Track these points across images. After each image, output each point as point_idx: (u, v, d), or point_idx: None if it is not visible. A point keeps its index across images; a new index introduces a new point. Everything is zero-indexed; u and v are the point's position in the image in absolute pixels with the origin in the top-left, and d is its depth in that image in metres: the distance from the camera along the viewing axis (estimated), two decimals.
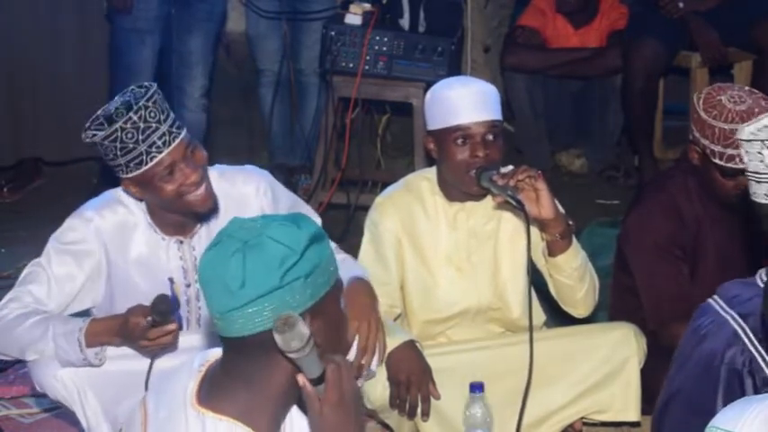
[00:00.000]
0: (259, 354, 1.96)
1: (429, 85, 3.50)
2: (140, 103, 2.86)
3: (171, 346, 2.95)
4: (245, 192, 3.17)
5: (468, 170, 3.23)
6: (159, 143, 2.89)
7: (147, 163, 2.90)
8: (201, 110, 5.09)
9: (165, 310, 2.88)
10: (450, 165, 3.27)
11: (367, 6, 4.79)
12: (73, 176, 5.47)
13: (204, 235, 3.11)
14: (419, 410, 3.21)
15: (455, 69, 4.81)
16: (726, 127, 3.13)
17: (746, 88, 3.24)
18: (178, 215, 3.06)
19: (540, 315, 3.47)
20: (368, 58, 4.70)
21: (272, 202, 3.19)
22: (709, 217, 3.42)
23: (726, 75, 5.57)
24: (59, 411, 3.39)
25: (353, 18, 4.75)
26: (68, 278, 3.07)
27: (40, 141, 5.44)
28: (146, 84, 2.94)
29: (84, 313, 3.14)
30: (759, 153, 2.19)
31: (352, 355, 3.04)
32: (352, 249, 3.44)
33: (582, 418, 3.41)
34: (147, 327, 2.88)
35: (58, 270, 3.06)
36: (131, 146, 2.87)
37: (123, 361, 2.98)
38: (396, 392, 3.20)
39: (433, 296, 3.40)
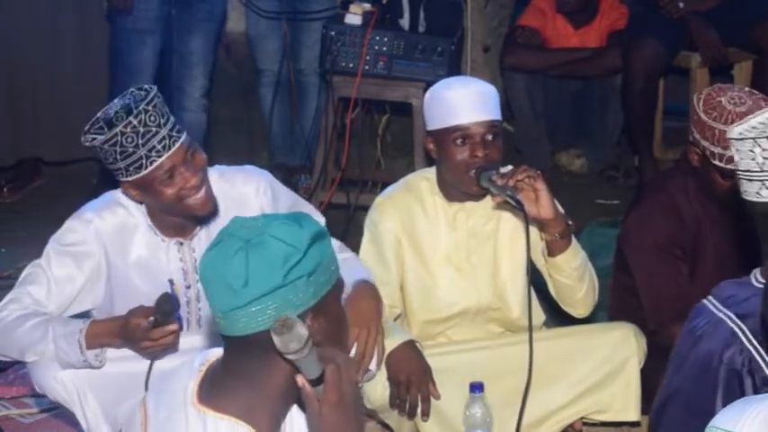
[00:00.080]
0: (260, 353, 1.96)
1: (429, 85, 3.50)
2: (140, 107, 2.85)
3: (172, 347, 2.95)
4: (245, 192, 3.17)
5: (467, 170, 3.23)
6: (159, 147, 2.88)
7: (146, 167, 2.89)
8: (202, 110, 5.09)
9: (168, 309, 2.88)
10: (449, 165, 3.28)
11: (367, 6, 4.78)
12: (73, 176, 5.48)
13: (204, 236, 3.11)
14: (419, 410, 3.21)
15: (455, 69, 4.81)
16: (726, 129, 3.12)
17: (747, 89, 3.23)
18: (178, 218, 3.06)
19: (539, 315, 3.47)
20: (368, 58, 4.70)
21: (272, 202, 3.19)
22: (708, 217, 3.42)
23: (726, 75, 5.57)
24: (59, 411, 3.39)
25: (353, 18, 4.75)
26: (68, 280, 3.07)
27: (40, 141, 5.44)
28: (146, 87, 2.94)
29: (84, 315, 3.14)
30: (750, 151, 2.19)
31: None
32: (352, 249, 3.44)
33: (582, 418, 3.41)
34: (149, 328, 2.88)
35: (57, 272, 3.06)
36: (131, 150, 2.87)
37: (123, 363, 2.98)
38: (396, 392, 3.20)
39: (433, 296, 3.40)
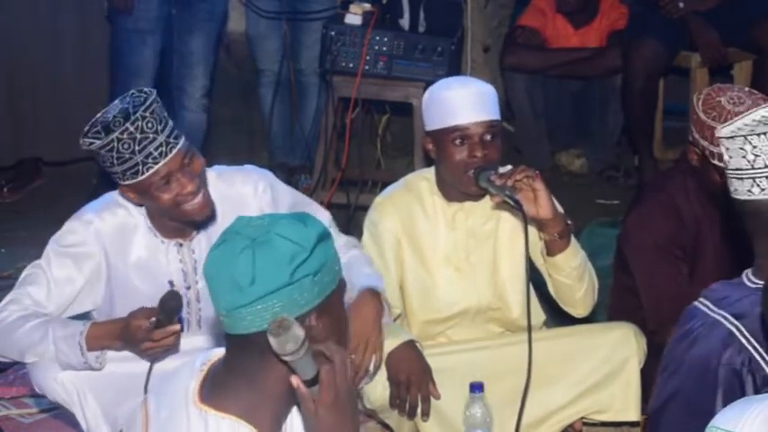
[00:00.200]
0: (262, 352, 1.96)
1: (429, 84, 3.50)
2: (138, 113, 2.85)
3: (172, 349, 2.95)
4: (243, 192, 3.17)
5: (466, 170, 3.23)
6: (156, 154, 2.89)
7: (143, 173, 2.90)
8: (202, 110, 5.09)
9: (173, 306, 2.87)
10: (448, 165, 3.27)
11: (367, 6, 4.78)
12: (73, 176, 5.48)
13: (204, 238, 3.11)
14: (419, 410, 3.21)
15: (455, 69, 4.81)
16: None
17: (746, 89, 3.23)
18: (176, 222, 3.07)
19: (539, 315, 3.47)
20: (368, 58, 4.70)
21: (272, 201, 3.19)
22: (708, 217, 3.42)
23: (726, 75, 5.57)
24: (59, 412, 3.39)
25: (353, 18, 4.75)
26: (68, 281, 3.07)
27: (40, 141, 5.44)
28: (145, 90, 2.93)
29: (84, 316, 3.14)
30: (741, 149, 2.19)
31: None
32: None
33: (582, 418, 3.41)
34: (150, 329, 2.88)
35: (57, 273, 3.06)
36: (127, 156, 2.87)
37: (123, 363, 2.98)
38: (396, 392, 3.20)
39: (433, 296, 3.40)
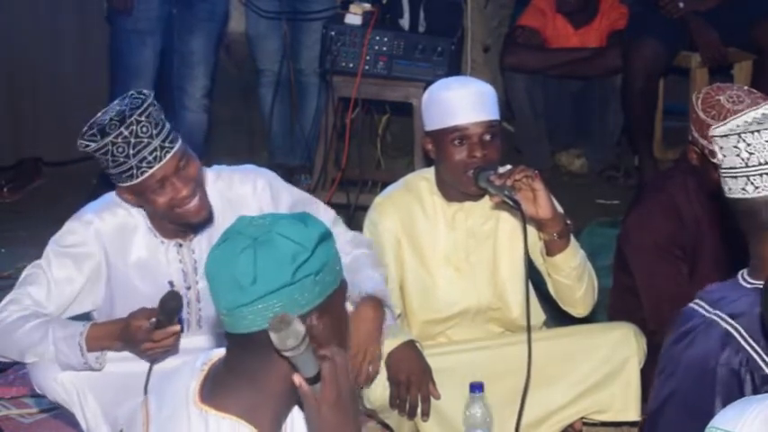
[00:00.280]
0: (263, 351, 1.96)
1: (429, 84, 3.50)
2: (133, 117, 2.85)
3: (172, 349, 2.95)
4: (242, 192, 3.17)
5: (465, 170, 3.23)
6: (150, 158, 2.89)
7: (137, 177, 2.90)
8: (203, 110, 5.10)
9: (174, 307, 2.87)
10: (447, 165, 3.27)
11: (367, 6, 4.79)
12: (73, 176, 5.47)
13: (204, 238, 3.11)
14: (419, 410, 3.21)
15: (455, 69, 4.81)
16: None
17: (745, 88, 3.23)
18: (173, 224, 3.07)
19: (539, 315, 3.47)
20: (368, 58, 4.70)
21: (272, 200, 3.19)
22: (708, 217, 3.42)
23: (726, 75, 5.57)
24: (59, 412, 3.39)
25: (353, 18, 4.75)
26: (68, 281, 3.07)
27: (40, 141, 5.45)
28: (143, 92, 2.94)
29: (84, 316, 3.14)
30: (735, 147, 2.19)
31: None
32: None
33: (582, 418, 3.41)
34: (150, 329, 2.88)
35: (57, 273, 3.06)
36: (122, 160, 2.88)
37: (123, 363, 2.98)
38: (396, 392, 3.20)
39: (433, 296, 3.40)
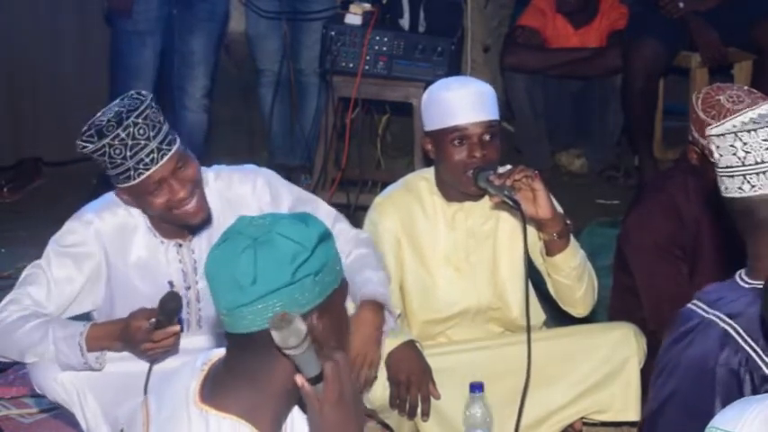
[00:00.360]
0: (263, 351, 1.96)
1: (429, 84, 3.50)
2: (130, 119, 2.86)
3: (172, 349, 2.95)
4: (241, 192, 3.17)
5: (465, 170, 3.24)
6: (147, 160, 2.89)
7: (134, 178, 2.91)
8: (203, 110, 5.10)
9: (173, 307, 2.87)
10: (447, 165, 3.28)
11: (367, 6, 4.79)
12: (73, 176, 5.47)
13: (204, 238, 3.11)
14: (419, 410, 3.21)
15: (455, 69, 4.81)
16: None
17: (745, 88, 3.23)
18: (172, 225, 3.07)
19: (539, 315, 3.47)
20: (368, 58, 4.70)
21: (272, 199, 3.19)
22: (708, 217, 3.41)
23: (726, 75, 5.57)
24: (59, 412, 3.39)
25: (353, 18, 4.75)
26: (68, 281, 3.07)
27: (40, 141, 5.45)
28: (142, 93, 2.94)
29: (85, 316, 3.15)
30: (731, 146, 2.19)
31: None
32: None
33: (582, 418, 3.41)
34: (150, 329, 2.88)
35: (57, 273, 3.06)
36: (119, 161, 2.88)
37: (123, 363, 2.98)
38: (396, 392, 3.20)
39: (433, 296, 3.40)
